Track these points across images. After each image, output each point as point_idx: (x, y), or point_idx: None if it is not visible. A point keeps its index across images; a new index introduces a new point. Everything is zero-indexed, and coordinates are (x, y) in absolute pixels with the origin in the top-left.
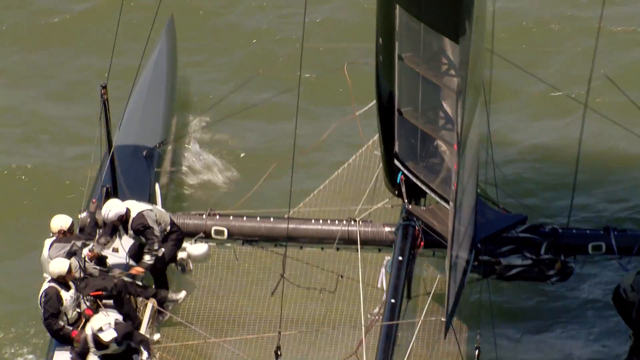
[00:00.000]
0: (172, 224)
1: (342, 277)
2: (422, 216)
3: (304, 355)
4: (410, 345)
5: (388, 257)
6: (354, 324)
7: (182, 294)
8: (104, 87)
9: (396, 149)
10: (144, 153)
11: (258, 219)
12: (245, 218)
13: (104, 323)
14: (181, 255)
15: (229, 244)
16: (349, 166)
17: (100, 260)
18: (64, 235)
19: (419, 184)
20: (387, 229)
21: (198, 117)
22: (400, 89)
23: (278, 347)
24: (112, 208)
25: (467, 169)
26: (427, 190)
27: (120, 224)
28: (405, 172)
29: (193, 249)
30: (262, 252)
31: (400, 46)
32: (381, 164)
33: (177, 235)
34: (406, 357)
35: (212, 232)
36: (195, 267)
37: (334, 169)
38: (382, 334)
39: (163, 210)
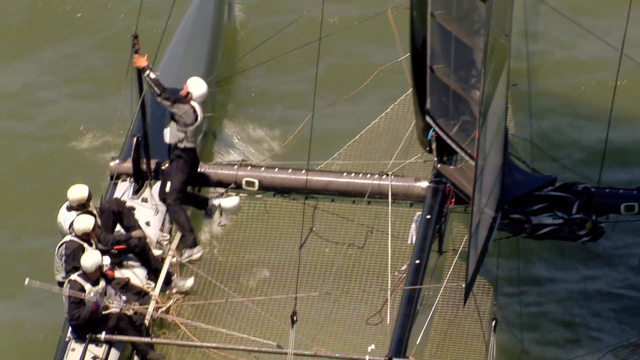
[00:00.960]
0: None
1: (371, 232)
2: (450, 175)
3: (328, 313)
4: (433, 307)
5: (419, 213)
6: (381, 281)
7: (190, 281)
8: (136, 37)
9: (428, 105)
10: None
11: (290, 170)
12: (277, 170)
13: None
14: (213, 202)
15: (259, 196)
16: (386, 115)
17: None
18: (83, 208)
19: (449, 141)
20: (418, 183)
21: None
22: (432, 46)
23: (294, 313)
24: None
25: (491, 133)
26: (457, 149)
27: None
28: (436, 129)
29: (225, 201)
30: (293, 205)
31: (432, 3)
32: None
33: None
34: (429, 317)
35: (243, 183)
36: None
37: (373, 117)
38: (404, 297)
39: None
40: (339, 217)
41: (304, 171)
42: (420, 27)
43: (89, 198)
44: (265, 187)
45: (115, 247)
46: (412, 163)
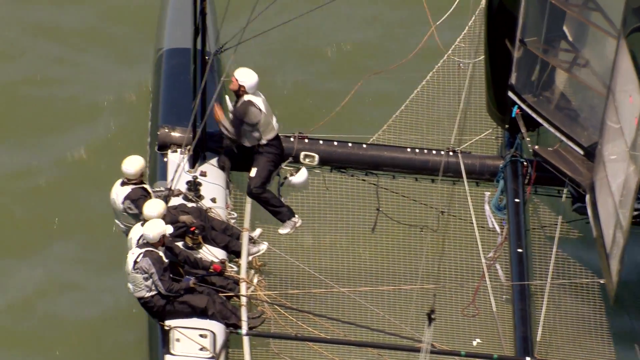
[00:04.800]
0: None
1: (443, 213)
2: (551, 158)
3: (407, 303)
4: (545, 302)
5: (488, 193)
6: (463, 268)
7: (264, 246)
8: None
9: (512, 80)
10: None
11: (350, 144)
12: (336, 143)
13: None
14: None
15: (317, 171)
16: (427, 83)
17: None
18: (138, 183)
19: (540, 120)
20: (490, 161)
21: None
22: (526, 17)
23: (432, 311)
24: None
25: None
26: (550, 128)
27: None
28: (523, 106)
29: (295, 177)
30: (351, 181)
31: None
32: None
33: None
34: (542, 312)
35: (302, 156)
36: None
37: (414, 86)
38: (515, 291)
39: None
40: (402, 195)
41: (365, 145)
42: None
43: (142, 171)
44: (324, 161)
45: (192, 229)
46: (463, 138)
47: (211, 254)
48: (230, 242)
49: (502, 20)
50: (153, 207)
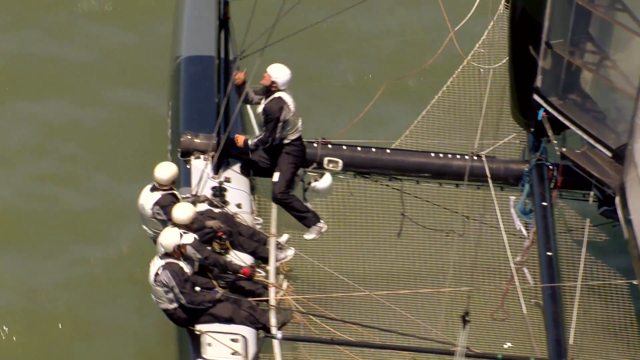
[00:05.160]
0: None
1: (468, 218)
2: (579, 160)
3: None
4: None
5: (513, 197)
6: (490, 273)
7: (291, 251)
8: (227, 3)
9: (538, 83)
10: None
11: (373, 149)
12: (359, 148)
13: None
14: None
15: (341, 176)
16: (448, 89)
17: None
18: (168, 190)
19: (567, 122)
20: (515, 165)
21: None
22: (551, 19)
23: (467, 313)
24: None
25: None
26: (578, 131)
27: None
28: (549, 108)
29: (319, 182)
30: (375, 186)
31: None
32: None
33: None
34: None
35: (325, 162)
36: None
37: (434, 92)
38: (546, 294)
39: None
40: (426, 200)
41: (389, 150)
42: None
43: (175, 179)
44: (348, 167)
45: (220, 234)
46: (485, 143)
47: (239, 259)
48: (257, 248)
49: (525, 24)
50: (182, 210)
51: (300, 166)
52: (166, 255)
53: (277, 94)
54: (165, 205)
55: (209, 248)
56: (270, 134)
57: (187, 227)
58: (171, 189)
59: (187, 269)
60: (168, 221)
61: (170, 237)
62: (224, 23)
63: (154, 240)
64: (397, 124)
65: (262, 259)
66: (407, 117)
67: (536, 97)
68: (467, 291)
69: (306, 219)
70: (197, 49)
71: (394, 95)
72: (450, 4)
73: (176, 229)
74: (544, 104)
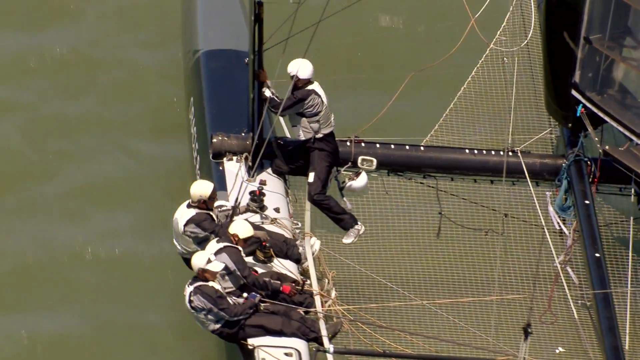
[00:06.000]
0: None
1: (506, 215)
2: (622, 157)
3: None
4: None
5: (549, 193)
6: (532, 272)
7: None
8: (261, 4)
9: (576, 78)
10: (246, 61)
11: (407, 147)
12: (393, 146)
13: None
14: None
15: (374, 174)
16: (473, 80)
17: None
18: (204, 206)
19: (606, 118)
20: (549, 160)
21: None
22: (590, 15)
23: (528, 324)
24: None
25: None
26: (618, 126)
27: None
28: (588, 104)
29: (355, 181)
30: (409, 184)
31: None
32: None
33: None
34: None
35: (359, 161)
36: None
37: (457, 82)
38: (598, 298)
39: None
40: (462, 198)
41: (423, 147)
42: None
43: (213, 196)
44: (382, 165)
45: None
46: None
47: (283, 266)
48: (288, 250)
49: (561, 18)
50: (244, 228)
51: (334, 163)
52: (195, 278)
53: (309, 87)
54: (201, 221)
55: (251, 257)
56: (284, 104)
57: (243, 245)
58: (207, 207)
59: (218, 286)
60: (211, 234)
61: (197, 260)
62: (258, 17)
63: (183, 256)
64: (421, 118)
65: (295, 261)
66: (432, 109)
67: (574, 93)
68: (525, 299)
69: (343, 221)
70: (216, 43)
71: (415, 89)
72: None
73: (207, 252)
74: (583, 100)
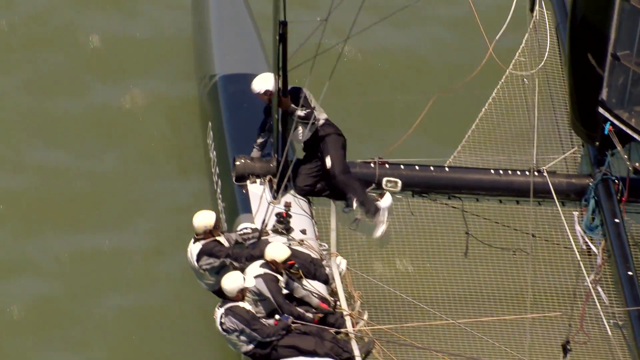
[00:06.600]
0: None
1: (534, 235)
2: None
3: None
4: None
5: (576, 213)
6: (561, 293)
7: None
8: (285, 25)
9: (603, 96)
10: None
11: (432, 168)
12: (417, 167)
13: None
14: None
15: (399, 196)
16: (493, 101)
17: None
18: (211, 236)
19: (635, 136)
20: (575, 180)
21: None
22: (617, 31)
23: (567, 341)
24: None
25: None
26: None
27: None
28: (616, 122)
29: (379, 202)
30: (435, 205)
31: None
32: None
33: None
34: None
35: (384, 182)
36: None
37: (478, 105)
38: (632, 316)
39: None
40: (486, 218)
41: (447, 168)
42: (594, 11)
43: (217, 225)
44: (407, 186)
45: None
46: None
47: (313, 288)
48: (316, 272)
49: (586, 37)
50: (280, 250)
51: (345, 145)
52: (224, 301)
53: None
54: (212, 249)
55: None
56: (309, 108)
57: (283, 267)
58: (212, 235)
59: (249, 307)
60: (226, 258)
61: (233, 282)
62: (282, 37)
63: (211, 289)
64: (444, 139)
65: (323, 281)
66: (453, 131)
67: (602, 111)
68: (562, 316)
69: (366, 204)
70: (232, 67)
71: (437, 110)
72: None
73: (238, 272)
74: (611, 117)
